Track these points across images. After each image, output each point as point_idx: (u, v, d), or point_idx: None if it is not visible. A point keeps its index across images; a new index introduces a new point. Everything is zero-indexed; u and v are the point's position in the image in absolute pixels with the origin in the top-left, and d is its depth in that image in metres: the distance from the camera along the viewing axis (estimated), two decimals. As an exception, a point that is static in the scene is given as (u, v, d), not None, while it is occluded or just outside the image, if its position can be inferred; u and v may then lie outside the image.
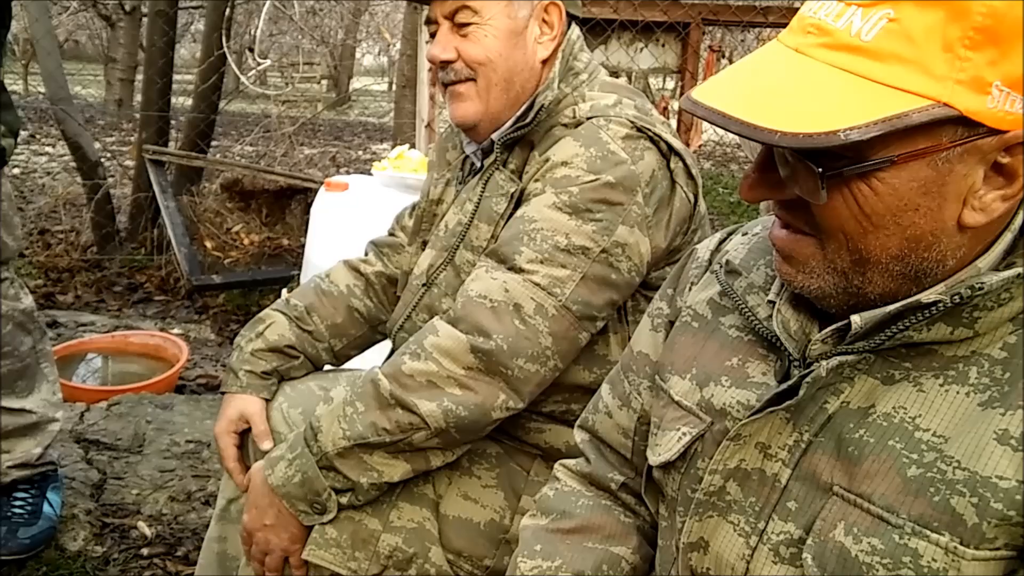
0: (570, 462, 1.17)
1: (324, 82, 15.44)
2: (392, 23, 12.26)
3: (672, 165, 1.40)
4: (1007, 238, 0.78)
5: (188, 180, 5.07)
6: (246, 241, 4.59)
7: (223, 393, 1.57)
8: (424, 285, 1.50)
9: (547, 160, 1.36)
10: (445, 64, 1.41)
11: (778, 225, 0.83)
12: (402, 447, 1.30)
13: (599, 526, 1.07)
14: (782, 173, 0.77)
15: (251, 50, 4.80)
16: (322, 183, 3.08)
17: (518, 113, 1.44)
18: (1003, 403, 0.73)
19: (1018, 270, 0.73)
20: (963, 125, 0.69)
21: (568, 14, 1.46)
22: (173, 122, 5.32)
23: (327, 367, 1.69)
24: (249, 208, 4.77)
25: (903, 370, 0.79)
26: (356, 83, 16.06)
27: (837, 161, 0.72)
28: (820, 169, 0.72)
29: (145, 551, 2.23)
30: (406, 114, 5.70)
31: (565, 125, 1.39)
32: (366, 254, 1.77)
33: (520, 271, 1.30)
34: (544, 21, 1.44)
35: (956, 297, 0.73)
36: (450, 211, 1.51)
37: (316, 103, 10.89)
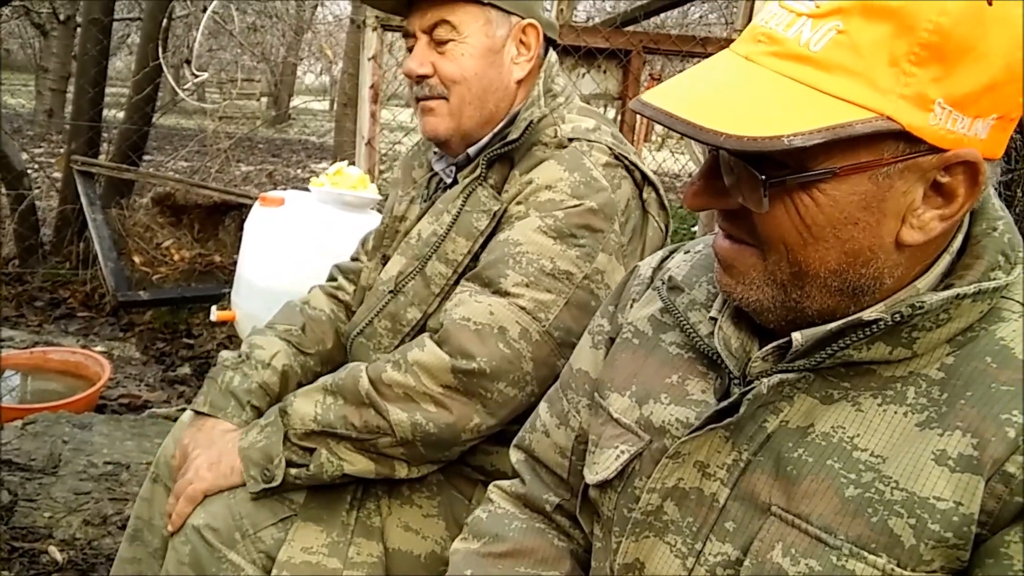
0: (504, 483, 1.14)
1: (264, 99, 15.28)
2: (335, 41, 12.20)
3: (645, 195, 1.41)
4: (945, 260, 0.78)
5: (118, 193, 4.91)
6: (176, 257, 4.46)
7: (197, 413, 1.47)
8: (391, 292, 1.47)
9: (530, 182, 1.36)
10: (421, 79, 1.40)
11: (721, 236, 0.83)
12: (367, 447, 1.30)
13: (532, 550, 1.04)
14: (727, 181, 0.77)
15: (188, 63, 4.70)
16: (258, 199, 3.01)
17: (495, 130, 1.44)
18: (941, 424, 0.72)
19: (957, 291, 0.73)
20: (905, 141, 0.70)
21: (546, 38, 1.46)
22: (104, 134, 5.17)
23: None
24: (181, 223, 4.64)
25: (842, 389, 0.78)
26: (297, 101, 15.91)
27: (780, 170, 0.71)
28: (763, 177, 0.71)
29: (55, 577, 2.12)
30: (347, 132, 5.65)
31: (546, 144, 1.39)
32: (332, 279, 1.75)
33: (506, 294, 1.29)
34: (521, 42, 1.44)
35: (897, 315, 0.73)
36: (424, 221, 1.48)
37: (255, 120, 10.74)
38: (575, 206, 1.31)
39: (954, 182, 0.72)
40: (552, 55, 1.50)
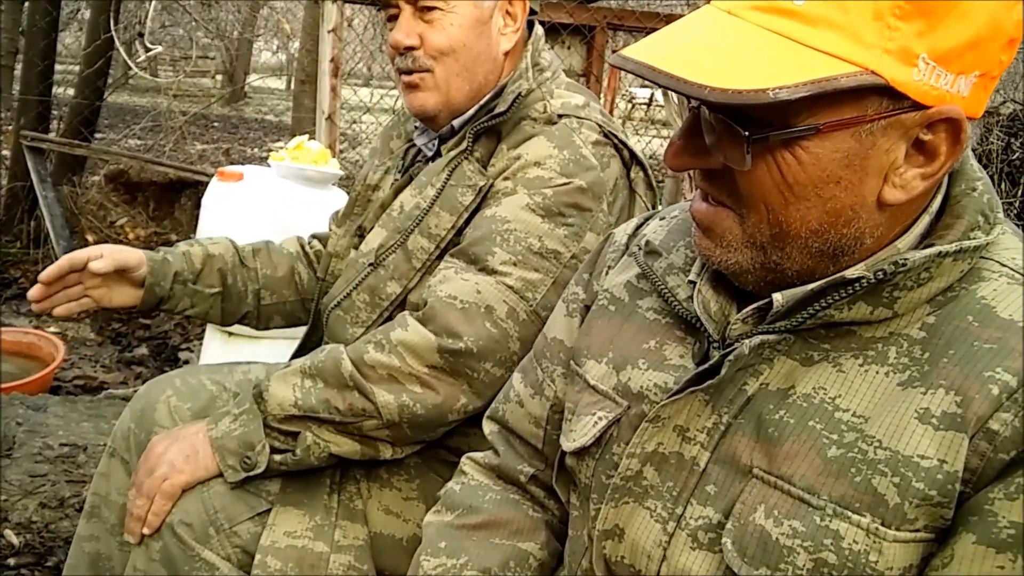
0: (478, 455, 1.12)
1: (219, 77, 14.99)
2: (293, 18, 12.00)
3: (633, 175, 1.40)
4: (925, 220, 0.78)
5: (69, 170, 4.78)
6: (131, 236, 4.36)
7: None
8: (371, 265, 1.44)
9: (518, 157, 1.33)
10: (407, 50, 1.36)
11: (699, 197, 0.82)
12: (351, 430, 1.27)
13: (507, 521, 1.03)
14: (707, 140, 0.75)
15: (141, 36, 4.57)
16: (214, 175, 2.94)
17: (482, 102, 1.41)
18: (923, 383, 0.72)
19: (939, 248, 0.73)
20: (889, 97, 0.69)
21: (530, 10, 1.43)
22: (55, 111, 5.03)
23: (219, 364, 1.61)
24: (135, 201, 4.54)
25: (822, 351, 0.78)
26: (253, 79, 15.63)
27: (763, 128, 0.70)
28: (747, 133, 0.70)
29: (12, 561, 2.07)
30: (305, 109, 5.57)
31: (535, 119, 1.36)
32: (308, 240, 1.74)
33: (493, 272, 1.27)
34: (508, 13, 1.40)
35: (880, 273, 0.73)
36: (407, 193, 1.45)
37: (210, 97, 10.54)
38: (564, 184, 1.29)
39: (936, 140, 0.71)
40: (539, 28, 1.47)
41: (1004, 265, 0.76)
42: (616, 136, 1.38)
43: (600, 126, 1.37)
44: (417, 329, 1.26)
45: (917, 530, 0.71)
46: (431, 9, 1.34)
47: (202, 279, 1.54)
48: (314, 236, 1.74)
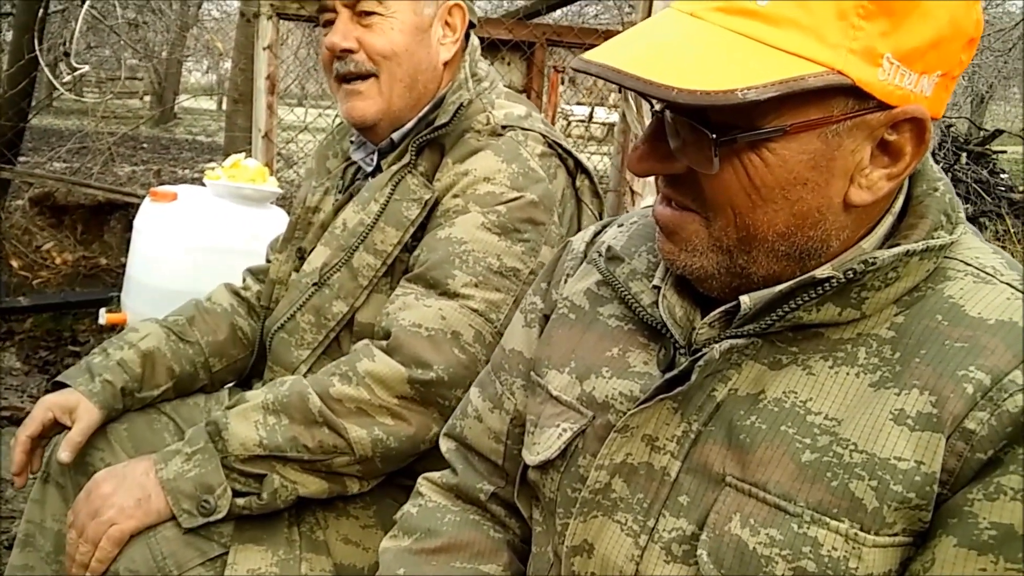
0: (434, 475, 1.08)
1: (147, 98, 14.68)
2: (224, 37, 11.82)
3: (578, 183, 1.39)
4: (888, 221, 0.78)
5: (-9, 194, 4.61)
6: (58, 260, 4.20)
7: (56, 385, 1.40)
8: (315, 284, 1.39)
9: (466, 173, 1.30)
10: (344, 54, 1.32)
11: (662, 202, 0.80)
12: (319, 467, 1.21)
13: (467, 543, 1.00)
14: (672, 145, 0.74)
15: (67, 55, 4.43)
16: (146, 197, 2.85)
17: (421, 113, 1.38)
18: (896, 383, 0.71)
19: (906, 247, 0.73)
20: (854, 97, 0.69)
21: (468, 22, 1.41)
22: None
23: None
24: (62, 225, 4.37)
25: (790, 354, 0.77)
26: (183, 100, 15.35)
27: (729, 130, 0.70)
28: (714, 136, 0.69)
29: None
30: (239, 128, 5.46)
31: (479, 132, 1.34)
32: (243, 281, 1.66)
33: (455, 296, 1.23)
34: (447, 23, 1.38)
35: (849, 272, 0.72)
36: (349, 210, 1.40)
37: (138, 118, 10.30)
38: (516, 199, 1.27)
39: (901, 140, 0.72)
40: (474, 39, 1.45)
41: (969, 264, 0.76)
42: (560, 146, 1.37)
43: (544, 136, 1.35)
44: (385, 360, 1.21)
45: (895, 534, 0.70)
46: (370, 13, 1.32)
47: (147, 383, 1.44)
48: (249, 271, 1.67)
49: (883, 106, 0.69)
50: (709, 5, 0.71)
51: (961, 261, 0.76)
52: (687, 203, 0.77)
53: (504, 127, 1.34)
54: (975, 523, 0.66)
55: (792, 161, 0.70)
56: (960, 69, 0.73)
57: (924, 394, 0.70)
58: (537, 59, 3.30)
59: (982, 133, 8.56)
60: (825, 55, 0.67)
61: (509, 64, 3.33)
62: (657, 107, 0.75)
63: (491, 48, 3.28)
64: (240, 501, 1.19)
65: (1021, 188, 8.18)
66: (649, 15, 3.15)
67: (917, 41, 0.68)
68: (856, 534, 0.69)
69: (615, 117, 4.05)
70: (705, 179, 0.73)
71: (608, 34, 3.30)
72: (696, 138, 0.71)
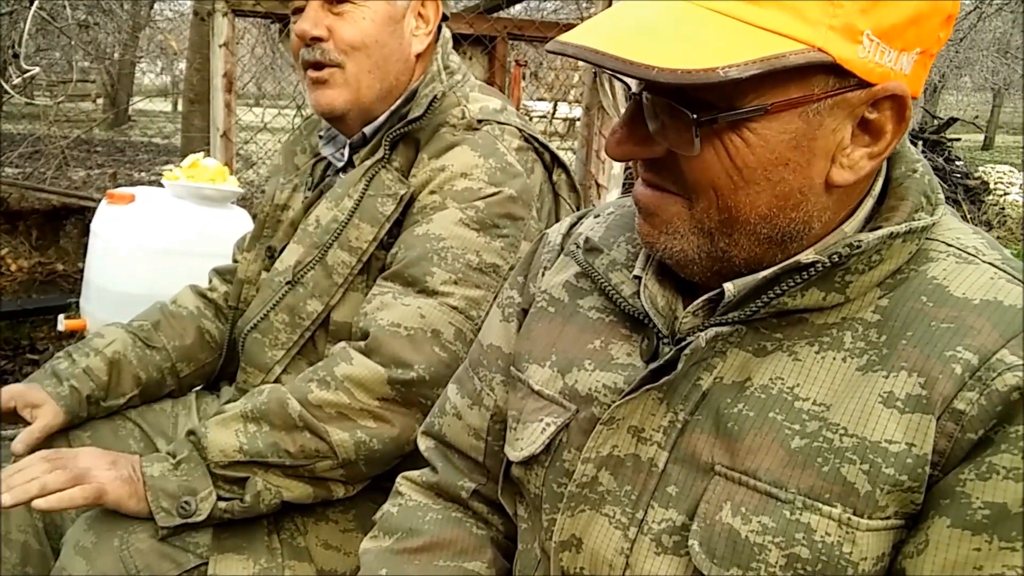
0: (414, 474, 1.06)
1: (100, 100, 14.40)
2: (178, 36, 11.63)
3: (555, 177, 1.37)
4: (868, 204, 0.78)
5: (-60, 201, 4.48)
6: (13, 267, 4.10)
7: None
8: (288, 283, 1.36)
9: (442, 168, 1.28)
10: (313, 42, 1.29)
11: (642, 184, 0.79)
12: (302, 473, 1.18)
13: (450, 541, 0.98)
14: (651, 127, 0.73)
15: (16, 57, 4.32)
16: (102, 200, 2.79)
17: (394, 106, 1.36)
18: (884, 366, 0.71)
19: (891, 229, 0.72)
20: (835, 75, 0.68)
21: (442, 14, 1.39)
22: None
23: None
24: (16, 231, 4.27)
25: (775, 340, 0.76)
26: (138, 102, 15.08)
27: (709, 110, 0.68)
28: (695, 116, 0.67)
29: None
30: (196, 129, 5.37)
31: (454, 126, 1.31)
32: (209, 282, 1.62)
33: (434, 294, 1.21)
34: (420, 15, 1.36)
35: (835, 256, 0.71)
36: (322, 206, 1.37)
37: (91, 121, 10.11)
38: (494, 194, 1.25)
39: (882, 118, 0.71)
40: (446, 31, 1.43)
41: (950, 245, 0.76)
42: (536, 139, 1.36)
43: (521, 130, 1.34)
44: (363, 362, 1.19)
45: (888, 517, 0.69)
46: (342, 2, 1.29)
47: (112, 391, 1.42)
48: (215, 272, 1.64)
49: (863, 84, 0.68)
50: None
51: (943, 242, 0.76)
52: (668, 186, 0.76)
53: (480, 121, 1.32)
54: (968, 503, 0.66)
55: (774, 141, 0.69)
56: (938, 46, 0.73)
57: (912, 376, 0.69)
58: (499, 53, 3.28)
59: (936, 121, 8.72)
60: (805, 32, 0.65)
61: (471, 59, 3.30)
62: (635, 88, 0.74)
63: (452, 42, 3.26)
64: (222, 505, 1.17)
65: (976, 175, 8.35)
66: (610, 5, 3.14)
67: (896, 18, 0.67)
68: (849, 519, 0.69)
69: (578, 112, 4.04)
70: (686, 161, 0.72)
71: (570, 27, 3.29)
72: (676, 119, 0.70)
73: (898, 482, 0.68)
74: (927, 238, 0.76)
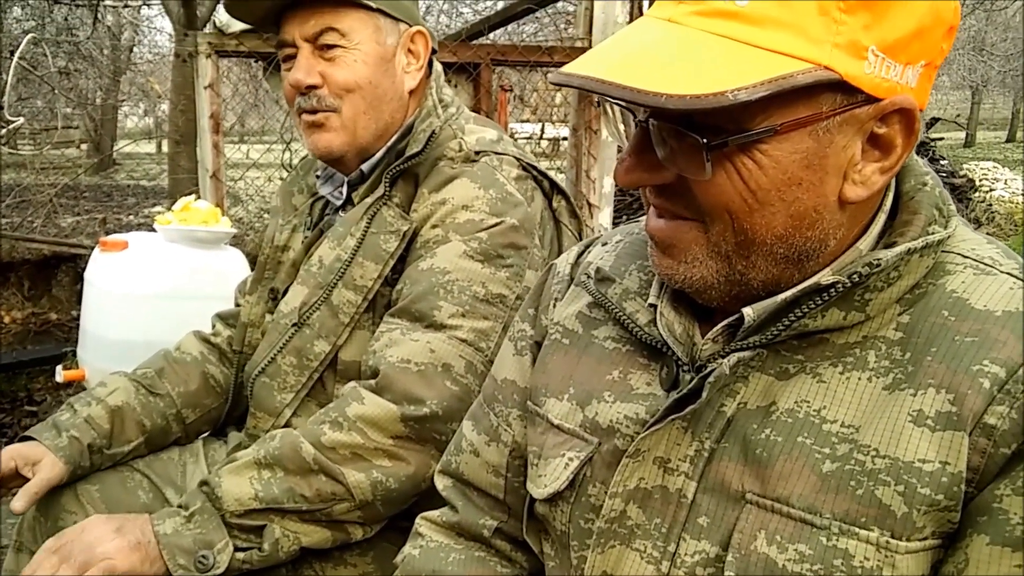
0: (433, 514, 1.04)
1: (84, 146, 14.39)
2: (162, 78, 11.66)
3: (555, 204, 1.37)
4: (881, 219, 0.77)
5: (-71, 257, 4.46)
6: (7, 319, 4.07)
7: (22, 439, 1.34)
8: (294, 325, 1.34)
9: (443, 202, 1.27)
10: (309, 89, 1.29)
11: (654, 215, 0.78)
12: (319, 517, 1.17)
13: None
14: (660, 154, 0.72)
15: (0, 108, 4.32)
16: (94, 247, 2.77)
17: (390, 143, 1.36)
18: (911, 383, 0.70)
19: (908, 245, 0.71)
20: (842, 92, 0.68)
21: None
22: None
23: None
24: (8, 282, 4.24)
25: (797, 363, 0.75)
26: (121, 145, 15.08)
27: (718, 134, 0.68)
28: (705, 141, 0.67)
29: None
30: (182, 170, 5.37)
31: (452, 159, 1.31)
32: (212, 327, 1.62)
33: (442, 327, 1.20)
34: (410, 51, 1.36)
35: (855, 276, 0.71)
36: (324, 246, 1.36)
37: (77, 168, 10.10)
38: (496, 224, 1.25)
39: (891, 132, 0.70)
40: (438, 65, 1.43)
41: (967, 256, 0.75)
42: (535, 168, 1.36)
43: (519, 160, 1.34)
44: (375, 400, 1.18)
45: (925, 537, 0.68)
46: (332, 47, 1.29)
47: (116, 439, 1.40)
48: (218, 316, 1.63)
49: (871, 99, 0.68)
50: (686, 9, 0.69)
51: (959, 254, 0.75)
52: (680, 212, 0.75)
53: (478, 152, 1.32)
54: (1006, 519, 0.65)
55: (785, 161, 0.69)
56: (941, 57, 0.72)
57: (941, 392, 0.68)
58: (484, 79, 3.29)
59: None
60: (810, 51, 0.65)
61: (456, 86, 3.31)
62: (641, 116, 0.73)
63: (437, 71, 3.26)
64: (240, 555, 1.15)
65: (961, 173, 8.39)
66: (591, 28, 3.15)
67: (900, 32, 0.67)
68: (888, 542, 0.67)
69: (564, 132, 4.05)
70: (698, 186, 0.71)
71: (552, 50, 3.30)
72: (685, 145, 0.69)
73: (934, 502, 0.67)
74: (943, 251, 0.75)
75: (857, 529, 0.68)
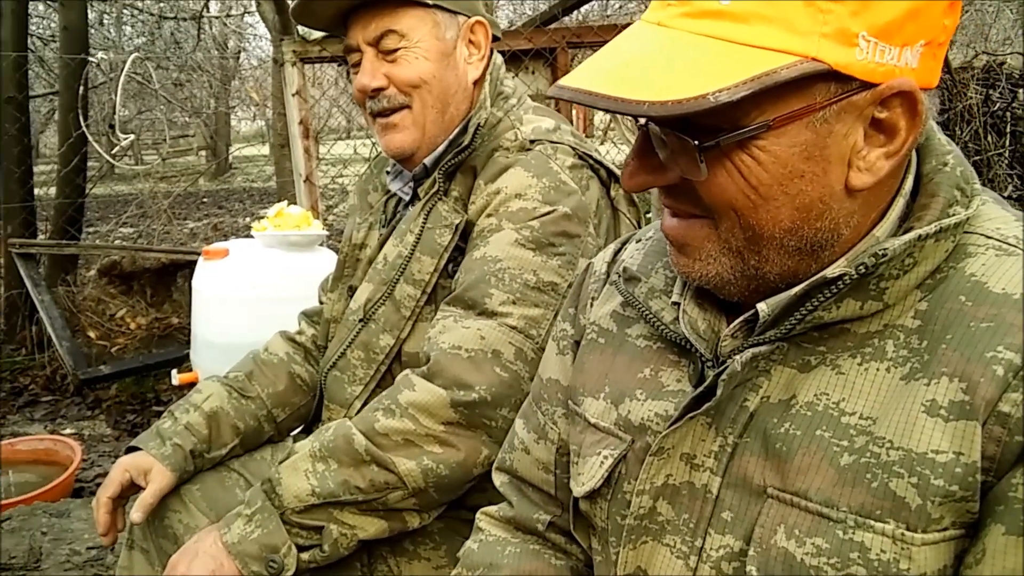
0: (492, 509, 1.08)
1: (202, 153, 15.07)
2: (264, 86, 12.10)
3: (613, 193, 1.37)
4: (900, 204, 0.75)
5: (62, 270, 4.79)
6: (132, 325, 4.35)
7: (129, 450, 1.44)
8: (361, 320, 1.41)
9: (498, 192, 1.30)
10: (376, 92, 1.34)
11: (668, 215, 0.79)
12: (375, 506, 1.22)
13: (530, 573, 0.99)
14: (661, 156, 0.73)
15: (112, 127, 4.59)
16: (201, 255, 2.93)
17: (450, 137, 1.38)
18: (925, 373, 0.69)
19: (918, 232, 0.70)
20: (835, 81, 0.67)
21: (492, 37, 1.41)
22: (43, 211, 5.05)
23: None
24: (132, 290, 4.53)
25: (818, 354, 0.74)
26: (235, 150, 15.73)
27: (714, 133, 0.68)
28: (696, 142, 0.67)
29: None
30: (287, 173, 5.57)
31: (507, 149, 1.33)
32: (298, 325, 1.69)
33: (493, 315, 1.23)
34: (471, 42, 1.38)
35: (861, 268, 0.70)
36: (388, 244, 1.42)
37: (196, 175, 10.61)
38: (549, 213, 1.26)
39: (893, 116, 0.69)
40: (497, 57, 1.44)
41: (990, 237, 0.72)
42: (591, 156, 1.35)
43: (574, 148, 1.34)
44: (425, 387, 1.21)
45: (945, 528, 0.67)
46: (394, 50, 1.32)
47: (214, 443, 1.48)
48: (303, 315, 1.70)
49: (867, 85, 0.67)
50: (674, 12, 0.70)
51: (982, 235, 0.73)
52: (690, 210, 0.76)
53: (532, 141, 1.33)
54: (1022, 508, 0.63)
55: (784, 155, 0.68)
56: (946, 34, 0.70)
57: (954, 381, 0.67)
58: (560, 64, 3.28)
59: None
60: (797, 44, 0.64)
61: (533, 73, 3.32)
62: (641, 120, 0.74)
63: (513, 59, 3.28)
64: (305, 556, 1.21)
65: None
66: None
67: (891, 15, 0.65)
68: (903, 534, 0.67)
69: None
70: (701, 185, 0.72)
71: (627, 27, 3.26)
72: (681, 146, 0.70)
73: (949, 493, 0.66)
74: (966, 231, 0.73)
75: (873, 522, 0.68)
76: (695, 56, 0.66)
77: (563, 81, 0.71)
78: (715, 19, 0.67)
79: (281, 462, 1.26)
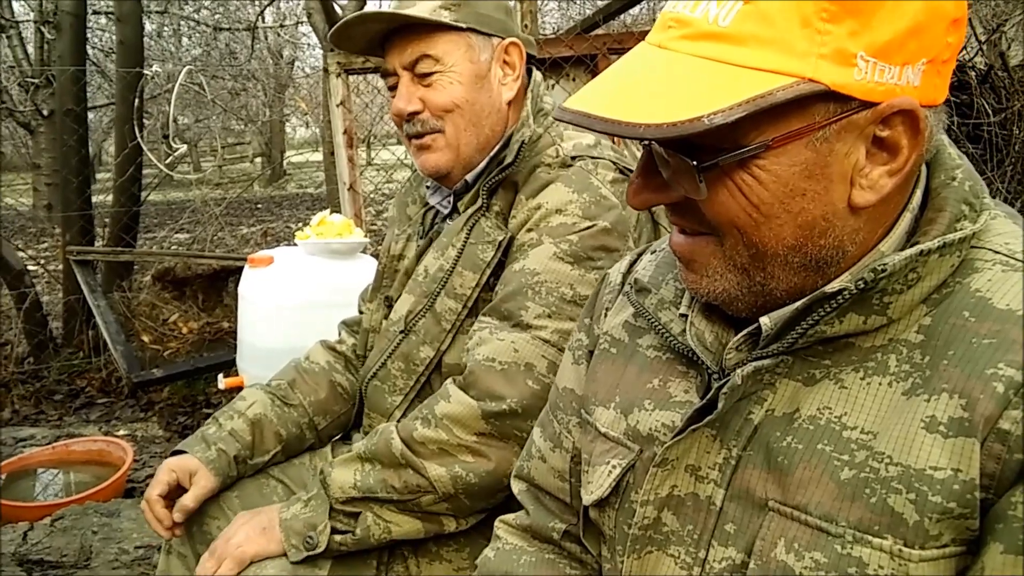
0: (509, 517, 1.10)
1: (258, 160, 15.38)
2: (316, 94, 12.31)
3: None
4: (907, 219, 0.75)
5: (118, 276, 4.93)
6: (184, 329, 4.46)
7: (175, 453, 1.49)
8: (401, 332, 1.44)
9: (539, 207, 1.32)
10: (412, 116, 1.37)
11: (676, 231, 0.80)
12: (411, 507, 1.27)
13: None
14: (664, 175, 0.74)
15: (166, 137, 4.72)
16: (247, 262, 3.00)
17: (491, 154, 1.41)
18: (926, 388, 0.68)
19: (920, 247, 0.69)
20: (834, 101, 0.67)
21: (528, 55, 1.43)
22: (97, 220, 5.20)
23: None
24: (184, 296, 4.64)
25: (823, 368, 0.74)
26: (291, 156, 16.02)
27: (715, 153, 0.69)
28: (695, 162, 0.68)
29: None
30: (336, 179, 5.66)
31: (549, 165, 1.35)
32: (339, 334, 1.73)
33: (528, 328, 1.26)
34: (505, 62, 1.41)
35: (860, 283, 0.70)
36: (429, 256, 1.45)
37: (250, 182, 10.83)
38: (588, 227, 1.28)
39: (895, 134, 0.69)
40: (537, 74, 1.46)
41: (997, 252, 0.72)
42: (631, 171, 1.36)
43: (615, 163, 1.35)
44: (460, 398, 1.25)
45: (944, 545, 0.66)
46: (430, 73, 1.35)
47: (257, 449, 1.53)
48: (344, 324, 1.73)
49: (867, 104, 0.67)
50: (675, 34, 0.70)
51: (989, 250, 0.72)
52: (696, 227, 0.77)
53: (573, 157, 1.35)
54: (1020, 527, 0.63)
55: (785, 174, 0.69)
56: (951, 51, 0.70)
57: (954, 398, 0.66)
58: (601, 70, 3.28)
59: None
60: (793, 65, 0.65)
61: (574, 80, 3.33)
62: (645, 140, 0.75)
63: (553, 67, 3.29)
64: (337, 538, 1.26)
65: None
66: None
67: (890, 34, 0.65)
68: (900, 550, 0.67)
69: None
70: (703, 203, 0.73)
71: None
72: (682, 166, 0.71)
73: (946, 510, 0.65)
74: (974, 246, 0.72)
75: (870, 537, 0.68)
76: (693, 78, 0.67)
77: (566, 103, 0.72)
78: (714, 41, 0.68)
79: (336, 458, 1.33)
